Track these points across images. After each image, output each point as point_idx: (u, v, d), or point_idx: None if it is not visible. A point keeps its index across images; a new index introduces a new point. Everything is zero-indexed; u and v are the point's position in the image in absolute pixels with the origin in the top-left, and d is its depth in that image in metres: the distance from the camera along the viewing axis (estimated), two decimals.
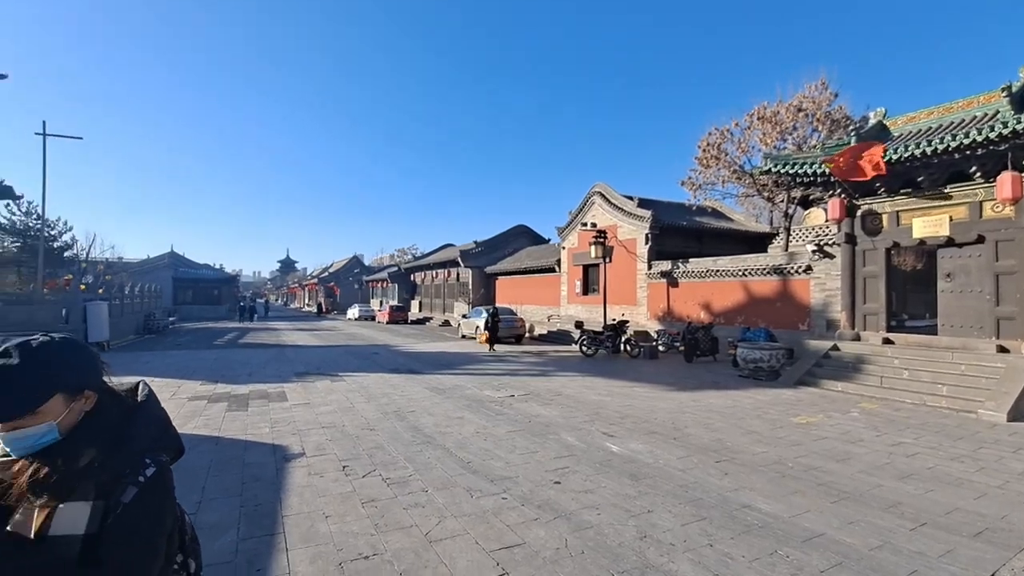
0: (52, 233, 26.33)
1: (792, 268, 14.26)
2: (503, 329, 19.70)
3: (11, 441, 1.08)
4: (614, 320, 17.87)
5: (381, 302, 47.98)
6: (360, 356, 16.18)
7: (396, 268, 49.66)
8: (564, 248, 25.21)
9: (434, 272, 39.72)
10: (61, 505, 1.06)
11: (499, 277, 32.37)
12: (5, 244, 26.21)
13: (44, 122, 21.00)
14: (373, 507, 4.36)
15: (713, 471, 5.38)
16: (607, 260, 18.58)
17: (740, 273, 15.90)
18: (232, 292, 51.52)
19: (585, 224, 21.60)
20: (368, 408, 8.38)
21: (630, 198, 20.88)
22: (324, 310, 56.33)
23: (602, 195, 22.33)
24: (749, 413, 8.22)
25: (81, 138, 27.98)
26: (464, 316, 25.26)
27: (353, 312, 42.38)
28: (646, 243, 19.68)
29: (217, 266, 55.55)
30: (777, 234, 21.95)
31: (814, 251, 13.45)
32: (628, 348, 16.15)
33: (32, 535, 1.04)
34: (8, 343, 1.11)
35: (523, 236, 36.30)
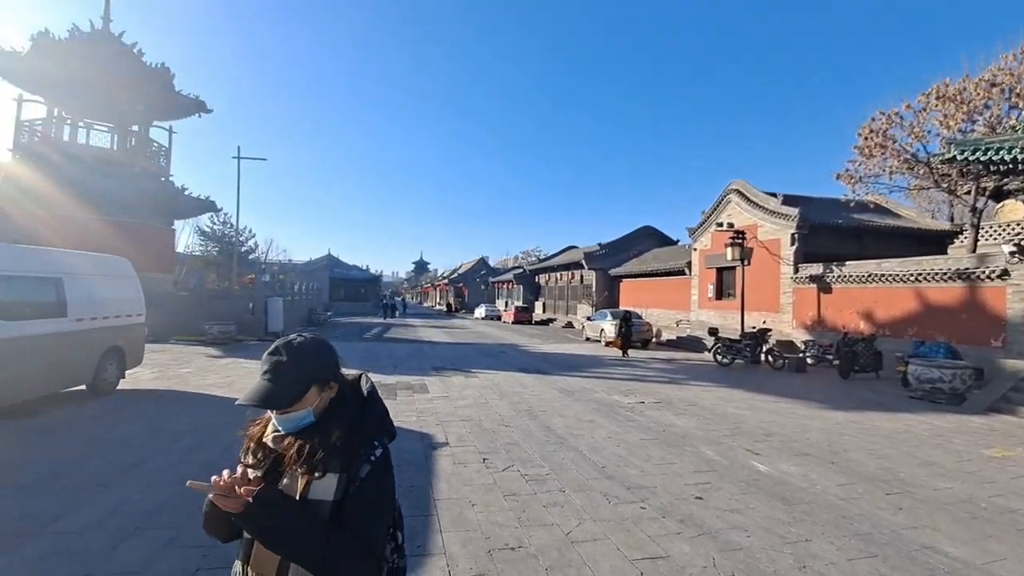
0: (241, 239, 31.38)
1: (982, 273, 12.01)
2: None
3: (282, 422, 1.37)
4: (753, 328, 16.56)
5: (506, 302, 49.65)
6: (489, 354, 16.94)
7: (521, 270, 51.03)
8: (695, 250, 23.93)
9: (558, 274, 40.12)
10: (317, 474, 1.32)
11: (624, 279, 31.71)
12: (208, 248, 31.87)
13: (239, 147, 25.24)
14: (515, 500, 4.58)
15: (884, 504, 4.77)
16: (745, 263, 17.28)
17: (912, 278, 13.77)
18: (376, 291, 56.99)
19: (720, 224, 20.30)
20: (501, 405, 8.76)
21: (773, 195, 19.17)
22: (453, 309, 59.82)
23: (740, 193, 20.80)
24: (926, 441, 7.12)
25: (266, 159, 33.16)
26: (588, 319, 25.16)
27: (480, 311, 44.41)
28: (792, 244, 17.93)
29: (364, 267, 61.82)
30: (960, 232, 18.65)
31: (1012, 252, 11.19)
32: (770, 359, 14.86)
33: (297, 496, 1.31)
34: (277, 342, 1.39)
35: (649, 238, 35.14)
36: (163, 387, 9.54)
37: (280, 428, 1.37)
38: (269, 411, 1.39)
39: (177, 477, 4.98)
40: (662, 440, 6.80)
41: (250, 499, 1.21)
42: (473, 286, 63.75)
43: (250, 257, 33.76)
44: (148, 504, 4.32)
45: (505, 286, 54.52)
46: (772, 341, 15.62)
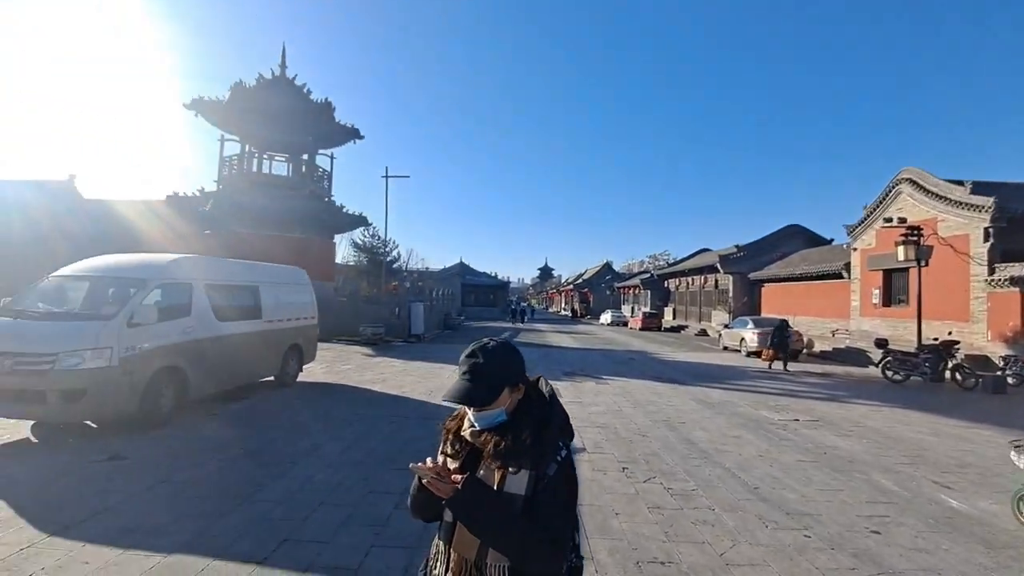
0: (387, 250, 34.69)
1: None
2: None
3: (478, 419, 1.50)
4: (934, 339, 14.16)
5: (633, 308, 48.31)
6: (618, 361, 16.63)
7: (648, 274, 49.36)
8: (855, 249, 21.14)
9: (689, 278, 38.07)
10: (511, 470, 1.43)
11: (765, 284, 29.08)
12: (360, 259, 35.70)
13: (387, 167, 28.06)
14: (659, 513, 4.45)
15: None
16: (922, 263, 14.85)
17: None
18: (503, 296, 59.11)
19: (888, 219, 17.66)
20: (636, 414, 8.57)
21: (957, 183, 16.26)
22: (578, 314, 59.71)
23: (913, 182, 17.97)
24: None
25: (408, 176, 36.68)
26: (726, 326, 23.51)
27: (606, 317, 43.78)
28: (985, 240, 15.03)
29: (492, 274, 64.52)
30: None
31: None
32: (958, 377, 12.59)
33: (495, 487, 1.43)
34: (473, 347, 1.54)
35: (796, 237, 31.82)
36: (331, 381, 10.90)
37: (476, 424, 1.50)
38: (465, 408, 1.54)
39: (348, 460, 5.66)
40: (824, 463, 6.13)
41: (459, 485, 1.35)
42: (598, 291, 63.06)
43: (394, 266, 37.11)
44: (327, 482, 4.98)
45: (631, 291, 53.11)
46: (960, 356, 13.22)
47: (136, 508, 4.25)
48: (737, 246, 31.95)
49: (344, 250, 39.68)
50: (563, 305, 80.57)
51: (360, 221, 27.12)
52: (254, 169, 24.28)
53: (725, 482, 5.36)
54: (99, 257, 7.61)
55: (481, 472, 1.47)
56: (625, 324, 40.83)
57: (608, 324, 42.19)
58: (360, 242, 36.11)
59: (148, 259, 7.58)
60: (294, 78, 24.19)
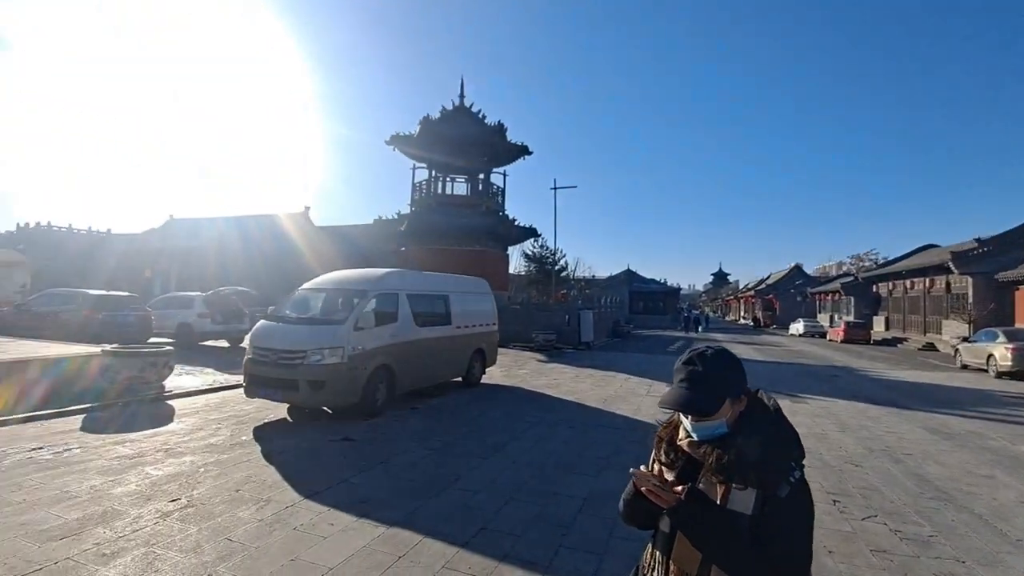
0: (555, 259, 35.73)
1: None
2: None
3: (697, 429, 1.44)
4: None
5: (832, 317, 42.08)
6: (816, 377, 14.61)
7: (851, 278, 42.43)
8: None
9: (907, 281, 31.77)
10: (735, 486, 1.37)
11: (1021, 287, 22.85)
12: (530, 269, 37.39)
13: (555, 179, 29.00)
14: (887, 559, 3.79)
15: None
16: None
17: None
18: (673, 303, 56.35)
19: None
20: (845, 439, 7.43)
21: None
22: (762, 323, 53.97)
23: None
24: None
25: (575, 187, 37.39)
26: (965, 339, 19.09)
27: (797, 327, 38.81)
28: None
29: (661, 280, 61.93)
30: None
31: None
32: None
33: (718, 501, 1.38)
34: (691, 353, 1.49)
35: None
36: (509, 384, 11.59)
37: (693, 435, 1.45)
38: (680, 416, 1.52)
39: (530, 461, 5.95)
40: None
41: (681, 496, 1.34)
42: (785, 298, 56.19)
43: (562, 275, 38.01)
44: (514, 480, 5.30)
45: (829, 297, 46.20)
46: None
47: (365, 483, 5.04)
48: (978, 240, 25.73)
49: (515, 261, 41.93)
50: (742, 313, 73.61)
51: (530, 233, 28.44)
52: (439, 191, 27.13)
53: (976, 531, 4.34)
54: (331, 273, 9.27)
55: (701, 485, 1.41)
56: (822, 335, 35.67)
57: (800, 335, 37.32)
58: (530, 252, 37.80)
59: (366, 273, 9.00)
60: (471, 106, 26.52)
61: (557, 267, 35.74)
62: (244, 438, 6.49)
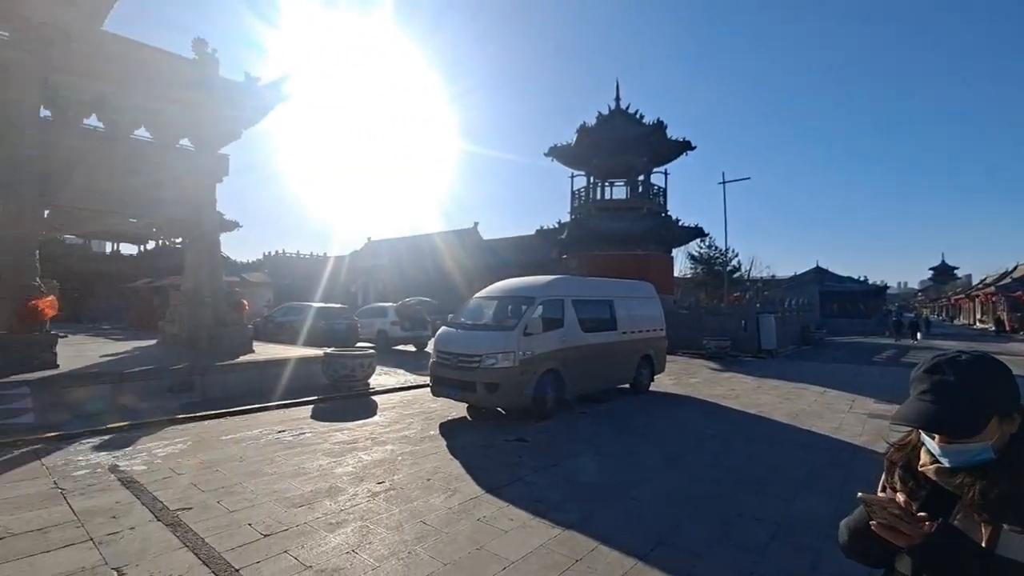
0: (726, 259, 33.00)
1: None
2: None
3: (949, 453, 1.17)
4: None
5: None
6: None
7: None
8: None
9: None
10: (1007, 529, 1.08)
11: None
12: (697, 270, 35.11)
13: (723, 173, 26.90)
14: None
15: None
16: None
17: None
18: (878, 305, 47.78)
19: None
20: None
21: None
22: (1007, 328, 42.81)
23: None
24: None
25: (749, 178, 34.11)
26: None
27: None
28: None
29: (859, 278, 53.00)
30: None
31: None
32: None
33: (983, 545, 1.10)
34: (937, 359, 1.22)
35: None
36: (680, 392, 10.97)
37: (943, 460, 1.19)
38: (924, 437, 1.26)
39: (709, 476, 5.53)
40: None
41: (930, 532, 1.11)
42: None
43: (735, 275, 34.91)
44: (693, 495, 4.96)
45: None
46: None
47: (539, 483, 5.21)
48: None
49: (680, 263, 39.79)
50: (978, 315, 59.08)
51: (696, 233, 26.75)
52: (598, 196, 27.10)
53: None
54: (501, 281, 9.84)
55: (956, 522, 1.16)
56: None
57: None
58: (696, 254, 35.59)
59: (533, 280, 9.36)
60: (627, 108, 26.00)
61: (728, 267, 32.95)
62: (432, 432, 7.21)
